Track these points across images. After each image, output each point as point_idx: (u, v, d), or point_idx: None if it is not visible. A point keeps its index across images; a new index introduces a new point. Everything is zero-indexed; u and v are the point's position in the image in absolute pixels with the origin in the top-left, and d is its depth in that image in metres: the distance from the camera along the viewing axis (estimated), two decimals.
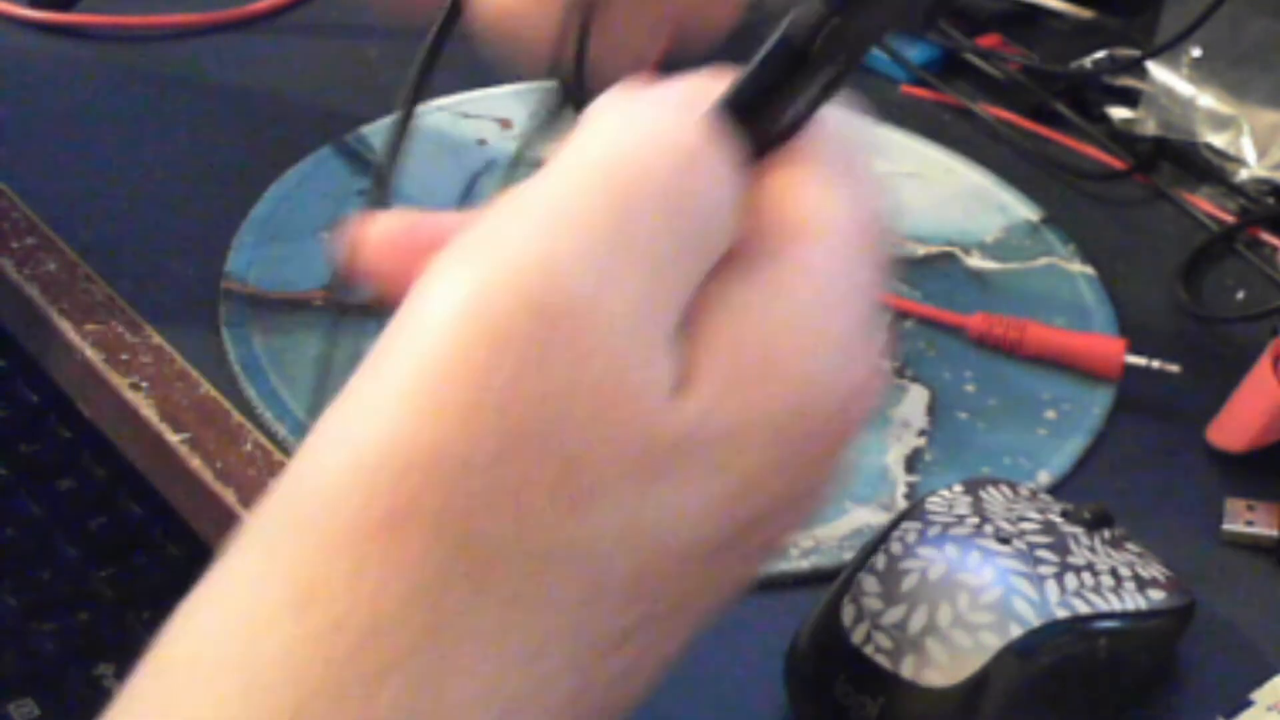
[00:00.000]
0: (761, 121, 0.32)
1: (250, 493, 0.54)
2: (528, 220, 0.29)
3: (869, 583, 0.47)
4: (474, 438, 0.27)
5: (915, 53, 0.78)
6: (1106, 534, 0.50)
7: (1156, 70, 0.74)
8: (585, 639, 0.29)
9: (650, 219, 0.29)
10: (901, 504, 0.55)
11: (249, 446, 0.56)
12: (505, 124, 0.73)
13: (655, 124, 0.30)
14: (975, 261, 0.67)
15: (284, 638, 0.27)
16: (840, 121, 0.33)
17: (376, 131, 0.72)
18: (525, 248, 0.28)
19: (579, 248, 0.28)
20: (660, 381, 0.28)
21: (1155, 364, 0.61)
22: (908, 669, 0.45)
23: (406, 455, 0.27)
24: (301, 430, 0.56)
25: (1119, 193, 0.73)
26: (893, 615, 0.46)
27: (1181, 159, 0.74)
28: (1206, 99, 0.73)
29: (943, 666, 0.45)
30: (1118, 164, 0.73)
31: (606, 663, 0.29)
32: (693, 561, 0.29)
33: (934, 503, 0.50)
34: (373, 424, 0.28)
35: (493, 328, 0.27)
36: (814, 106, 0.32)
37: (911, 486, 0.56)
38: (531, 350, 0.27)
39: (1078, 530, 0.49)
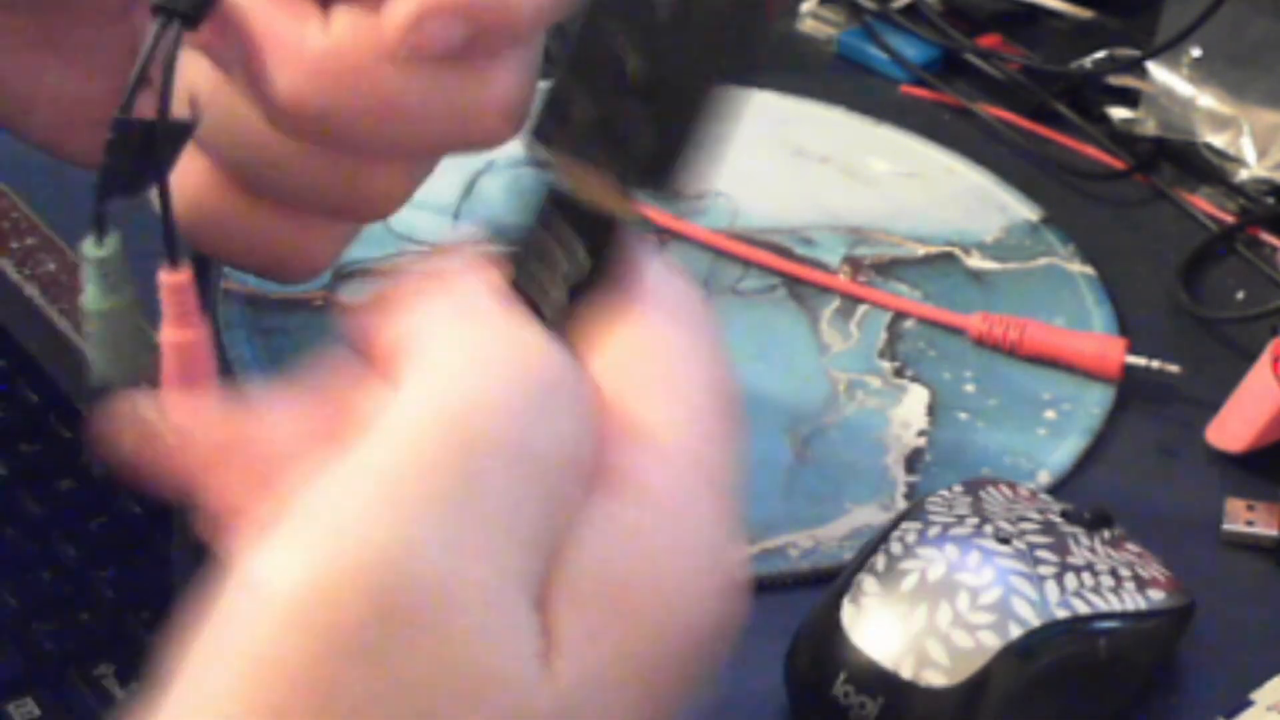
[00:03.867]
0: (557, 296, 0.30)
1: None
2: (366, 491, 0.25)
3: (869, 583, 0.47)
4: None
5: (915, 53, 0.78)
6: (1106, 534, 0.50)
7: (1156, 70, 0.74)
8: None
9: (502, 475, 0.26)
10: (901, 504, 0.55)
11: None
12: None
13: (489, 356, 0.27)
14: (975, 261, 0.67)
15: None
16: (660, 281, 0.30)
17: None
18: (365, 528, 0.25)
19: (425, 522, 0.25)
20: (526, 656, 0.26)
21: (1155, 364, 0.61)
22: (908, 669, 0.45)
23: None
24: None
25: (1119, 193, 0.73)
26: (893, 615, 0.46)
27: (1181, 159, 0.74)
28: (1206, 99, 0.73)
29: (943, 666, 0.45)
30: (1118, 164, 0.73)
31: None
32: None
33: (934, 503, 0.50)
34: None
35: (335, 627, 0.25)
36: (606, 265, 0.30)
37: (911, 486, 0.56)
38: (381, 651, 0.25)
39: (1077, 530, 0.49)
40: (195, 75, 0.38)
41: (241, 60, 0.38)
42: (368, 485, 0.25)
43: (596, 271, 0.30)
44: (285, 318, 0.61)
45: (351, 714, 0.24)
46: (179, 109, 0.35)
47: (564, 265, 0.30)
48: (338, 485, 0.26)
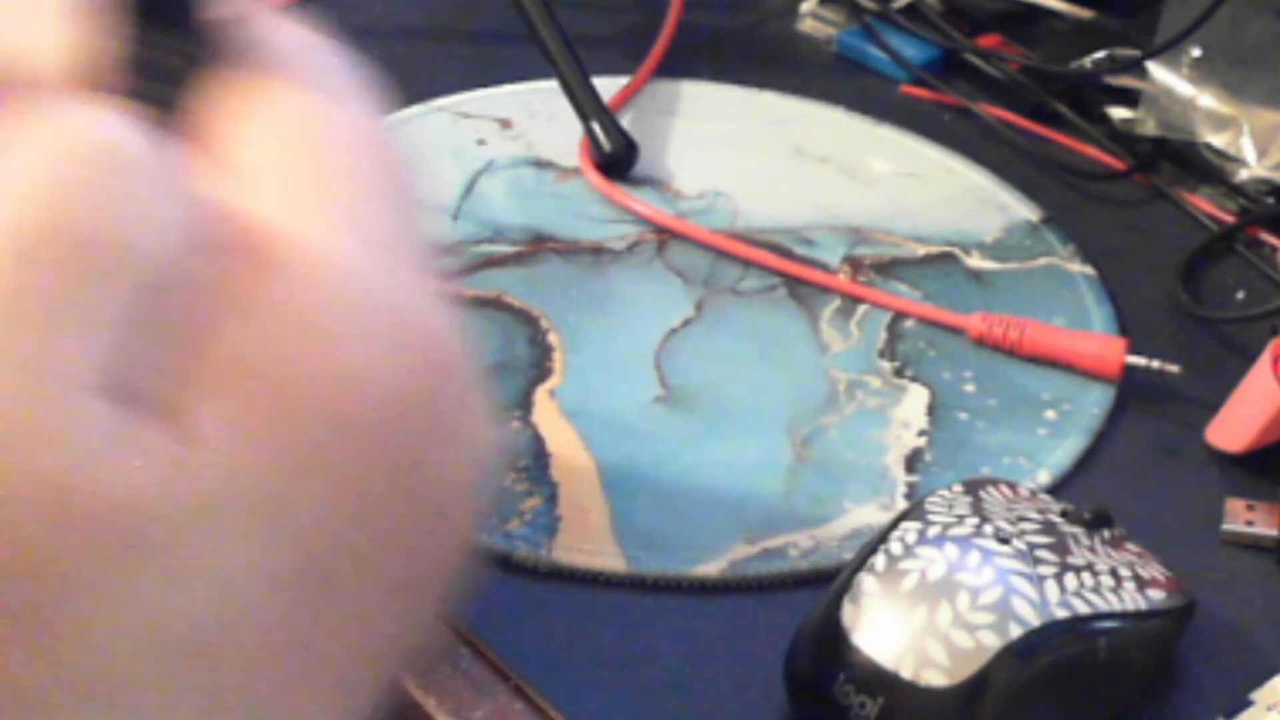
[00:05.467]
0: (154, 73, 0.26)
1: None
2: None
3: (869, 583, 0.47)
4: None
5: (915, 53, 0.78)
6: (1106, 534, 0.50)
7: (1156, 70, 0.74)
8: None
9: (59, 270, 0.23)
10: (901, 504, 0.55)
11: None
12: (505, 124, 0.74)
13: (22, 140, 0.24)
14: (975, 261, 0.67)
15: None
16: (287, 45, 0.27)
17: None
18: None
19: None
20: (96, 440, 0.23)
21: (1155, 364, 0.61)
22: (908, 669, 0.45)
23: None
24: None
25: (1119, 193, 0.73)
26: (893, 615, 0.46)
27: (1181, 159, 0.74)
28: (1206, 99, 0.73)
29: (943, 666, 0.45)
30: (1118, 164, 0.73)
31: None
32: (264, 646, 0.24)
33: (934, 503, 0.50)
34: None
35: None
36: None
37: (911, 486, 0.56)
38: None
39: (1078, 530, 0.49)
40: None
41: None
42: None
43: (196, 51, 0.27)
44: None
45: None
46: None
47: (160, 59, 0.26)
48: None
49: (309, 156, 0.26)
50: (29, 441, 0.22)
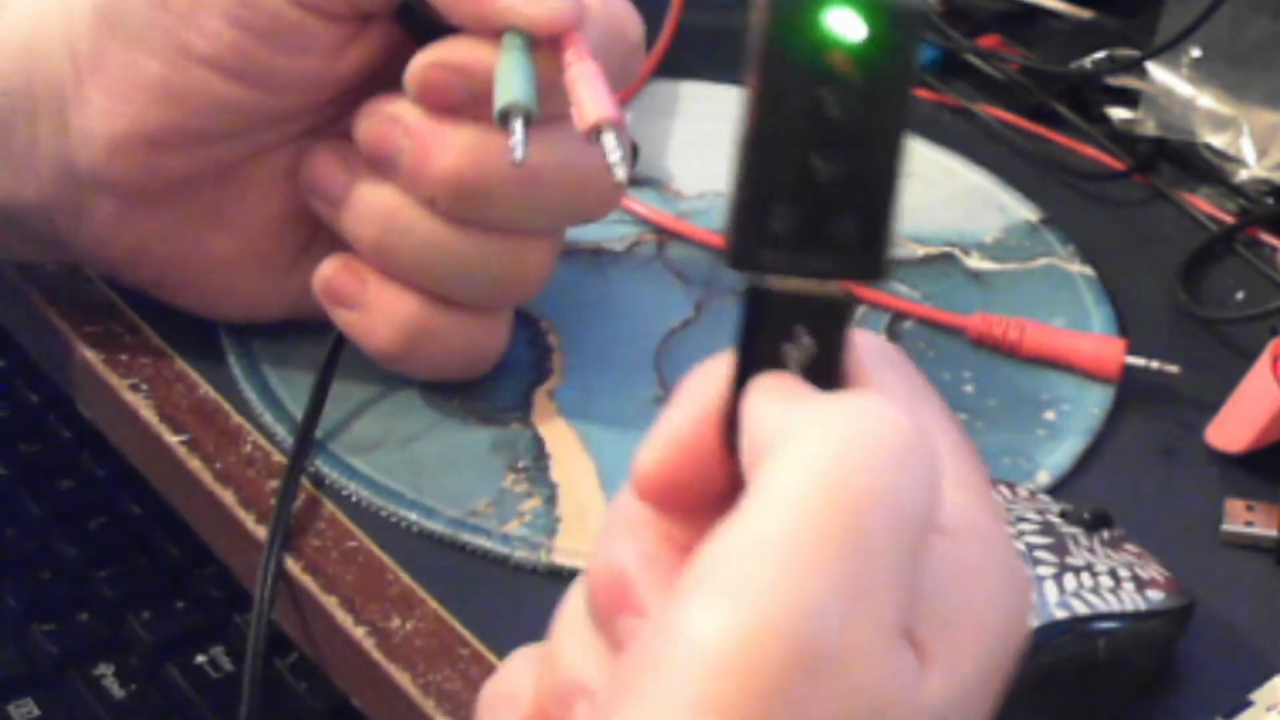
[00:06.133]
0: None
1: (249, 493, 0.54)
2: (772, 555, 0.30)
3: None
4: None
5: None
6: (1105, 534, 0.50)
7: (1156, 70, 0.74)
8: None
9: (880, 531, 0.30)
10: None
11: (248, 447, 0.56)
12: None
13: (848, 422, 0.31)
14: (975, 262, 0.67)
15: None
16: (879, 353, 0.34)
17: None
18: (777, 591, 0.29)
19: (824, 581, 0.29)
20: (908, 684, 0.30)
21: (1155, 364, 0.61)
22: None
23: None
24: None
25: (1119, 193, 0.73)
26: None
27: (1181, 159, 0.74)
28: (1206, 99, 0.73)
29: None
30: (1118, 164, 0.73)
31: None
32: None
33: None
34: None
35: (762, 677, 0.29)
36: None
37: None
38: (798, 697, 0.29)
39: (1077, 531, 0.49)
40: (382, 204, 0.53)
41: (407, 160, 0.51)
42: (772, 549, 0.30)
43: (823, 355, 0.33)
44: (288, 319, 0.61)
45: None
46: None
47: (795, 354, 0.33)
48: (745, 549, 0.30)
49: (941, 445, 0.33)
50: (863, 669, 0.29)
